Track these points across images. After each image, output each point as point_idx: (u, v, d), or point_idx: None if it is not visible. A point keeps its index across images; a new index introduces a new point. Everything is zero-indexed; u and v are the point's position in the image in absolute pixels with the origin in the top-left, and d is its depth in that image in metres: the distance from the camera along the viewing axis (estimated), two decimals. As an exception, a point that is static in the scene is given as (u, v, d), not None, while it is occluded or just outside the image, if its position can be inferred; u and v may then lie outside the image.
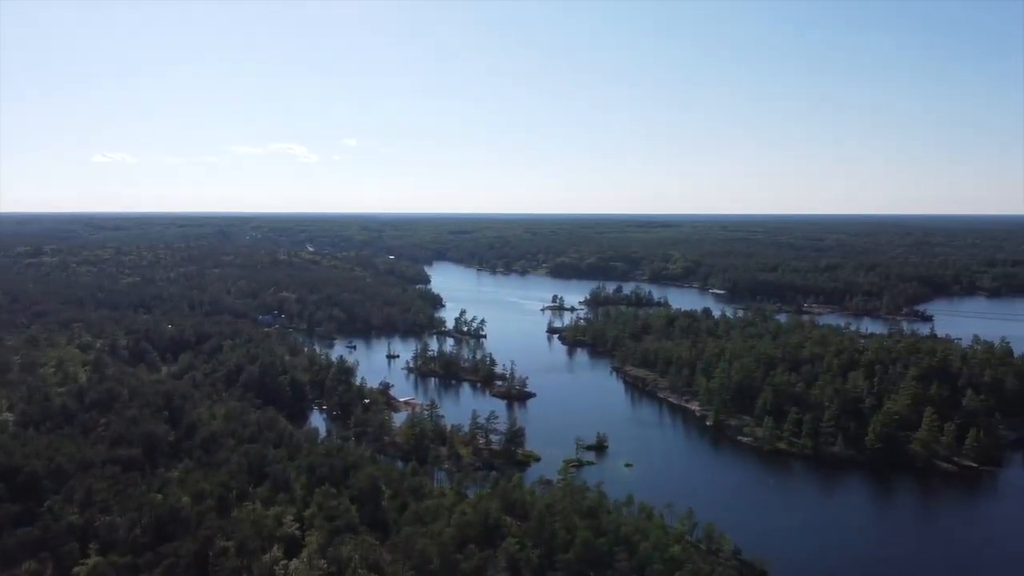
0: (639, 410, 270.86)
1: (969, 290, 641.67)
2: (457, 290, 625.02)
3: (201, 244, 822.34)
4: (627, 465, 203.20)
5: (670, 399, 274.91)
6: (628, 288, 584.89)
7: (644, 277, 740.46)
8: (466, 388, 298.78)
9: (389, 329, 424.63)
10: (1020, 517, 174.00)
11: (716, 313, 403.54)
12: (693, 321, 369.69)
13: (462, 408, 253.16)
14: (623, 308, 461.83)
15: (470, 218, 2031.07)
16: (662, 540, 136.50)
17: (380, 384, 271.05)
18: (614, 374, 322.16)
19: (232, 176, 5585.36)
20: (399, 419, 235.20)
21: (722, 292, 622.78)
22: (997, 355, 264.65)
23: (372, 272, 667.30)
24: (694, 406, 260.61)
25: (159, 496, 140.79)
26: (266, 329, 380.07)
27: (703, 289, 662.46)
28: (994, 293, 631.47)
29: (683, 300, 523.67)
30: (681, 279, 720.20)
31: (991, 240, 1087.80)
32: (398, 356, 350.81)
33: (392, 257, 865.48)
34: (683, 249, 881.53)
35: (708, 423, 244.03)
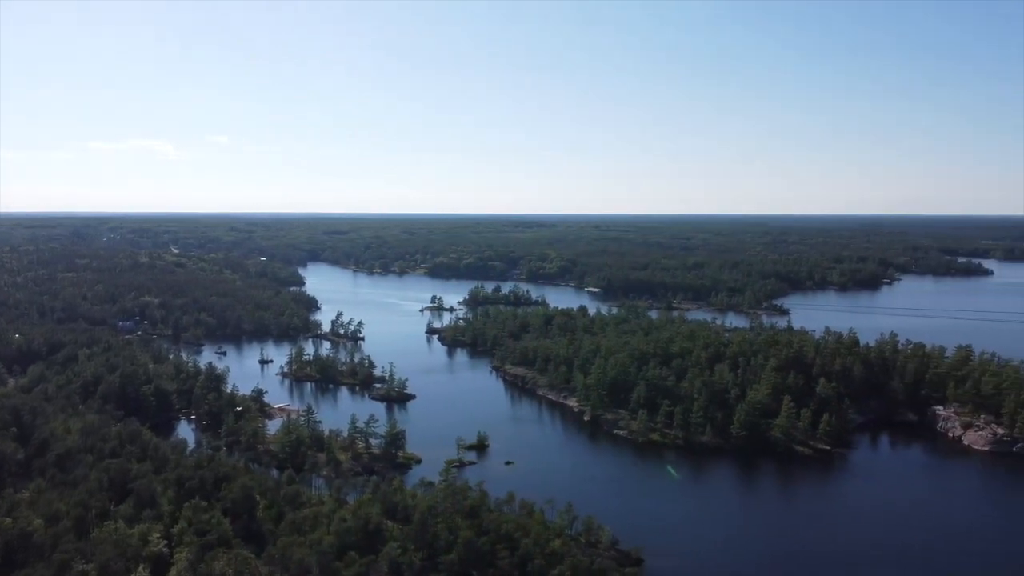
0: (519, 408, 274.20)
1: (821, 285, 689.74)
2: (333, 292, 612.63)
3: (52, 246, 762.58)
4: (508, 463, 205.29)
5: (549, 396, 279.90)
6: (506, 287, 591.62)
7: (522, 276, 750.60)
8: (344, 392, 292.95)
9: (262, 333, 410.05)
10: (867, 494, 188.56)
11: (592, 311, 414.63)
12: (570, 319, 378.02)
13: (340, 412, 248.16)
14: (502, 307, 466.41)
15: (346, 218, 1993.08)
16: (543, 535, 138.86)
17: (253, 391, 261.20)
18: (494, 373, 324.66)
19: (87, 174, 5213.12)
20: (274, 426, 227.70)
21: (597, 290, 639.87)
22: (845, 345, 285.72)
23: (242, 274, 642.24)
24: (572, 402, 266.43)
25: (7, 520, 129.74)
26: (127, 336, 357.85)
27: (579, 287, 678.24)
28: (842, 287, 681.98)
29: (560, 298, 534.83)
30: (558, 278, 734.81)
31: (839, 238, 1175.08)
32: (271, 361, 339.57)
33: (264, 259, 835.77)
34: (559, 248, 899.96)
35: (586, 418, 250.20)
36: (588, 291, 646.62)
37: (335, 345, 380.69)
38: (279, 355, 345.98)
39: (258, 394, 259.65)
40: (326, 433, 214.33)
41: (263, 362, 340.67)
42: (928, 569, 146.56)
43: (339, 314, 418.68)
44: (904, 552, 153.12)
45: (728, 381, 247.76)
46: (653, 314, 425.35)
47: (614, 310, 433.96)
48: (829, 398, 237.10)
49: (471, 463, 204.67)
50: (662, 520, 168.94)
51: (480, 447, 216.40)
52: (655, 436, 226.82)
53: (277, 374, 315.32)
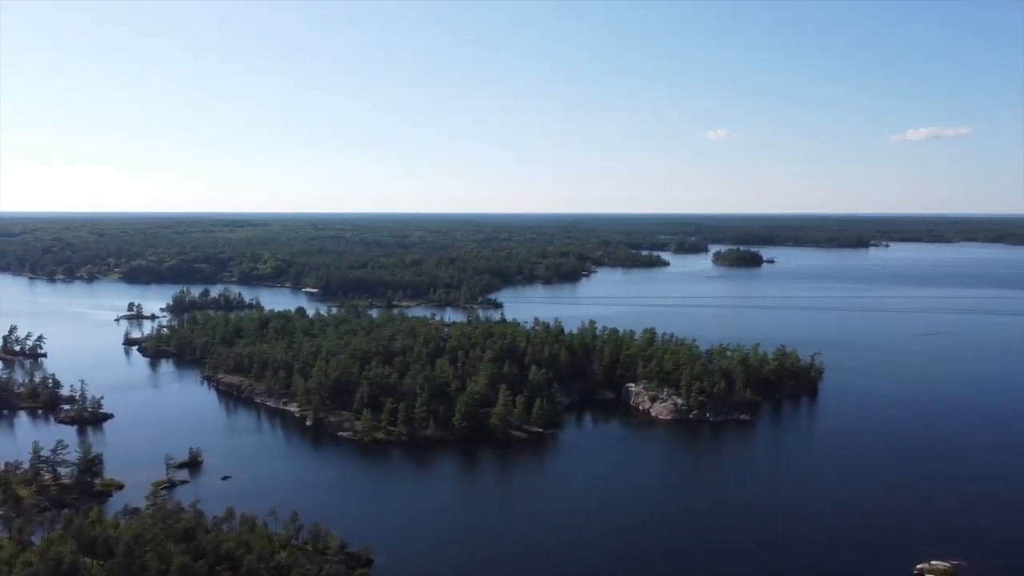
0: (235, 418, 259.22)
1: (529, 279, 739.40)
2: (3, 303, 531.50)
3: None
4: (225, 478, 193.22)
5: (268, 403, 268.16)
6: (216, 291, 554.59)
7: (233, 279, 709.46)
8: (23, 417, 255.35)
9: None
10: (573, 467, 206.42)
11: (310, 312, 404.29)
12: (287, 321, 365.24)
13: (19, 441, 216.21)
14: (211, 312, 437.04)
15: (16, 218, 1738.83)
16: (267, 549, 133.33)
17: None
18: (205, 383, 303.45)
19: None
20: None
21: (315, 291, 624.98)
22: (552, 334, 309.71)
23: None
24: (293, 407, 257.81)
25: None
26: None
27: (296, 288, 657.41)
28: (548, 281, 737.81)
29: (276, 301, 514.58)
30: (272, 279, 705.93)
31: (544, 235, 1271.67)
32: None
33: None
34: (273, 249, 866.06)
35: (308, 423, 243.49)
36: (306, 292, 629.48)
37: (8, 365, 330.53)
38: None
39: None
40: (2, 467, 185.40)
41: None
42: (620, 522, 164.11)
43: (12, 328, 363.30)
44: (602, 513, 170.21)
45: (448, 375, 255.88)
46: (374, 312, 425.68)
47: (334, 310, 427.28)
48: (540, 384, 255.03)
49: (183, 482, 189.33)
50: (390, 517, 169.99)
51: (193, 464, 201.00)
52: (380, 434, 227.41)
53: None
